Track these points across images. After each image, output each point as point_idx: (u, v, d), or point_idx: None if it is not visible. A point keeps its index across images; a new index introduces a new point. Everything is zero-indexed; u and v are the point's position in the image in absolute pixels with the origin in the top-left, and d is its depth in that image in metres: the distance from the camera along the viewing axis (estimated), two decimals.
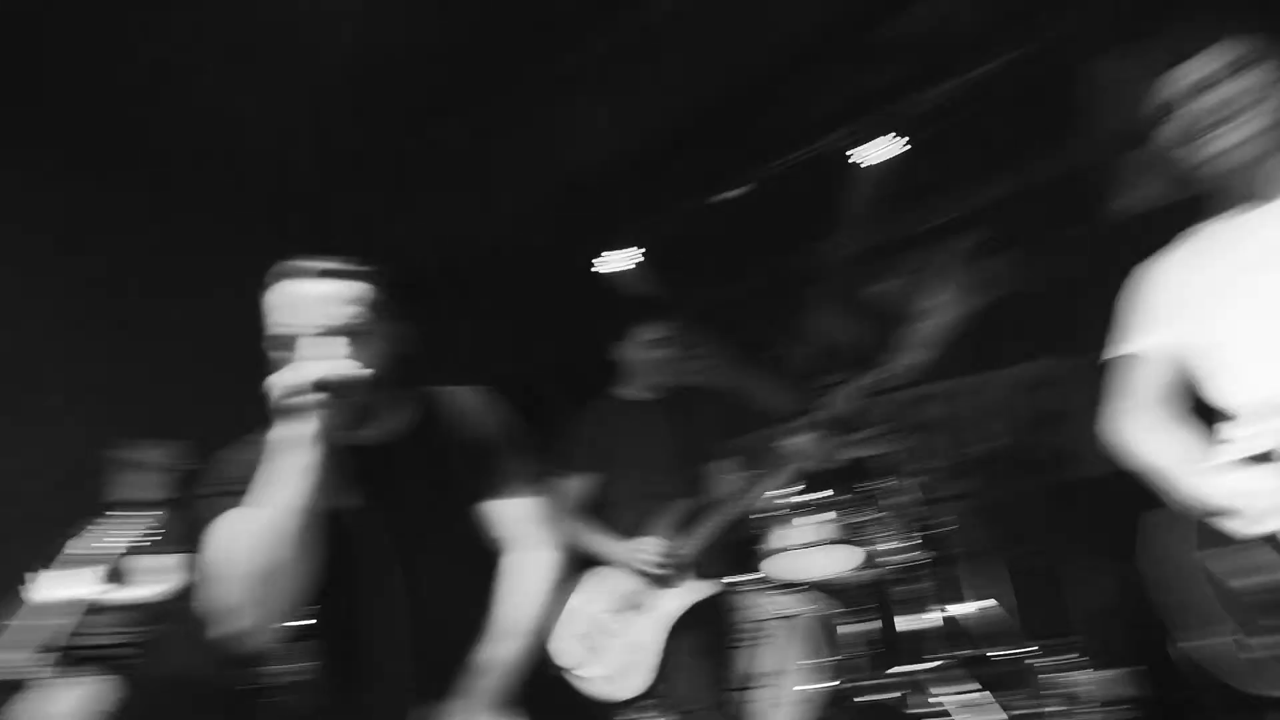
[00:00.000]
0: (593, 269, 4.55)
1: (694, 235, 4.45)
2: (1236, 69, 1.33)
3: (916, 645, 2.96)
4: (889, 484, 3.32)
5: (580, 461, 2.60)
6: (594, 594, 2.47)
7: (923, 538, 3.14)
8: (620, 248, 4.48)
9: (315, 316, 1.36)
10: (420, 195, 3.85)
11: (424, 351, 1.57)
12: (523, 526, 1.52)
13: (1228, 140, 1.32)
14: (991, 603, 3.11)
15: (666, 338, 2.73)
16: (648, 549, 2.44)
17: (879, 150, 3.89)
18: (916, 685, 2.81)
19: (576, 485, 2.59)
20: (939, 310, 4.64)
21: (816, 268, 4.74)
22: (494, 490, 1.53)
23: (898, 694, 2.80)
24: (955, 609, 3.10)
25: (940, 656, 2.86)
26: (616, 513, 2.57)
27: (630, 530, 2.50)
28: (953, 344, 4.59)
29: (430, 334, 1.63)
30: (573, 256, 4.52)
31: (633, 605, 2.41)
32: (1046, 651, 2.73)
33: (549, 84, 3.38)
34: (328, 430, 1.25)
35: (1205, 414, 1.50)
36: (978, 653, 2.88)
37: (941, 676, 2.79)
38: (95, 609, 1.53)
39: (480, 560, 1.52)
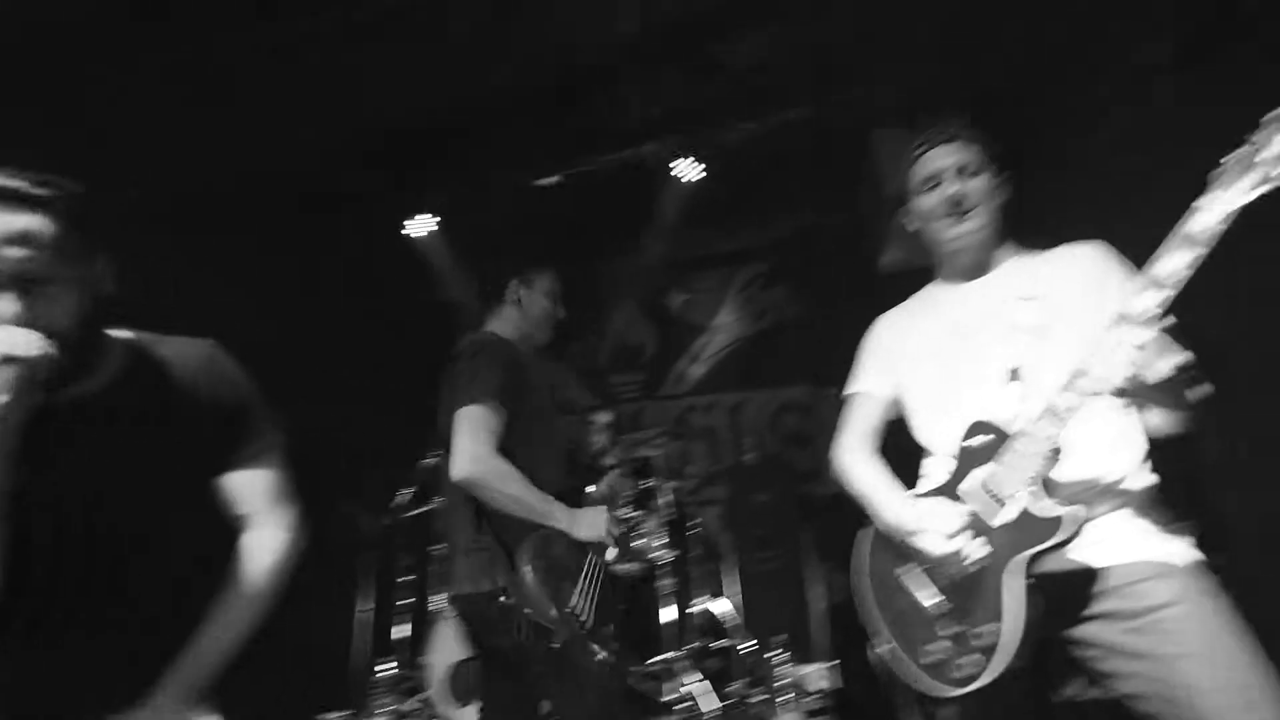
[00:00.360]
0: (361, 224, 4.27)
1: (500, 214, 4.34)
2: (967, 172, 1.57)
3: (669, 636, 3.13)
4: (650, 484, 3.48)
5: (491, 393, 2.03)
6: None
7: (673, 537, 3.33)
8: (422, 212, 4.24)
9: None
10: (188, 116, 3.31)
11: (146, 295, 1.33)
12: (256, 502, 1.33)
13: (952, 230, 1.57)
14: (724, 601, 3.38)
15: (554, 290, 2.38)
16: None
17: (687, 169, 4.07)
18: (668, 673, 2.99)
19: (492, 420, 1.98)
20: (718, 328, 5.02)
21: (618, 269, 4.86)
22: (225, 460, 1.33)
23: (649, 681, 2.96)
24: (695, 605, 3.32)
25: (678, 648, 3.05)
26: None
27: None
28: (724, 361, 4.99)
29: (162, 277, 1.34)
30: (352, 211, 4.19)
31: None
32: (763, 646, 3.02)
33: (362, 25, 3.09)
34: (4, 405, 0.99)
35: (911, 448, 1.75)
36: (705, 645, 3.11)
37: (682, 666, 2.99)
38: None
39: (206, 541, 1.33)
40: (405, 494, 3.69)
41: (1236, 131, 1.14)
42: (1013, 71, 3.38)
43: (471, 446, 1.87)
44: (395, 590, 3.53)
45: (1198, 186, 1.17)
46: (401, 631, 3.44)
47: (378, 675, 3.08)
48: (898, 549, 1.50)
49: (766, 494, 3.74)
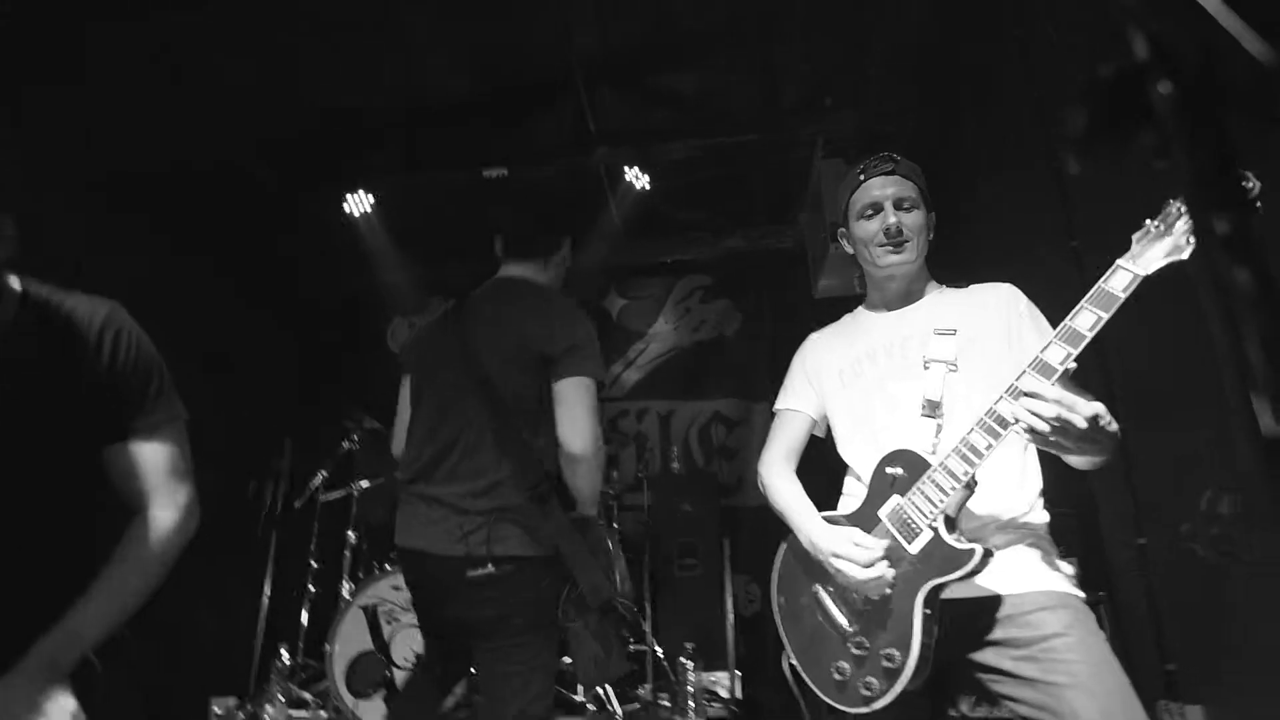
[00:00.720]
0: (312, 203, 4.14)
1: (440, 202, 4.28)
2: (905, 204, 1.64)
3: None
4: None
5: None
6: None
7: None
8: (354, 190, 4.13)
9: None
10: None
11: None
12: (150, 477, 1.25)
13: (888, 259, 1.64)
14: (633, 605, 3.41)
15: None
16: None
17: (636, 177, 4.09)
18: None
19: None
20: (655, 337, 5.06)
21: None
22: (121, 427, 1.25)
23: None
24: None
25: None
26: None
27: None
28: (659, 369, 5.04)
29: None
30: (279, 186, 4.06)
31: None
32: (674, 652, 3.06)
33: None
34: None
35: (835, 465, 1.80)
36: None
37: None
38: None
39: (92, 512, 1.25)
40: (320, 477, 3.60)
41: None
42: (943, 116, 3.56)
43: (594, 425, 1.75)
44: (304, 576, 3.42)
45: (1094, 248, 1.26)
46: (308, 618, 3.33)
47: (277, 662, 2.98)
48: (814, 567, 1.55)
49: (691, 503, 3.79)
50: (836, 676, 1.46)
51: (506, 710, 1.65)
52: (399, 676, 2.64)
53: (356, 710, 2.73)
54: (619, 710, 2.88)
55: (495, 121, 3.84)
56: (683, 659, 2.78)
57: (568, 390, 1.75)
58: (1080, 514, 2.75)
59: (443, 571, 1.70)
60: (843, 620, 1.48)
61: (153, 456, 1.27)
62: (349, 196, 4.12)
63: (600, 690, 2.95)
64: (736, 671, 3.15)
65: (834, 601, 1.52)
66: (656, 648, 3.26)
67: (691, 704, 2.56)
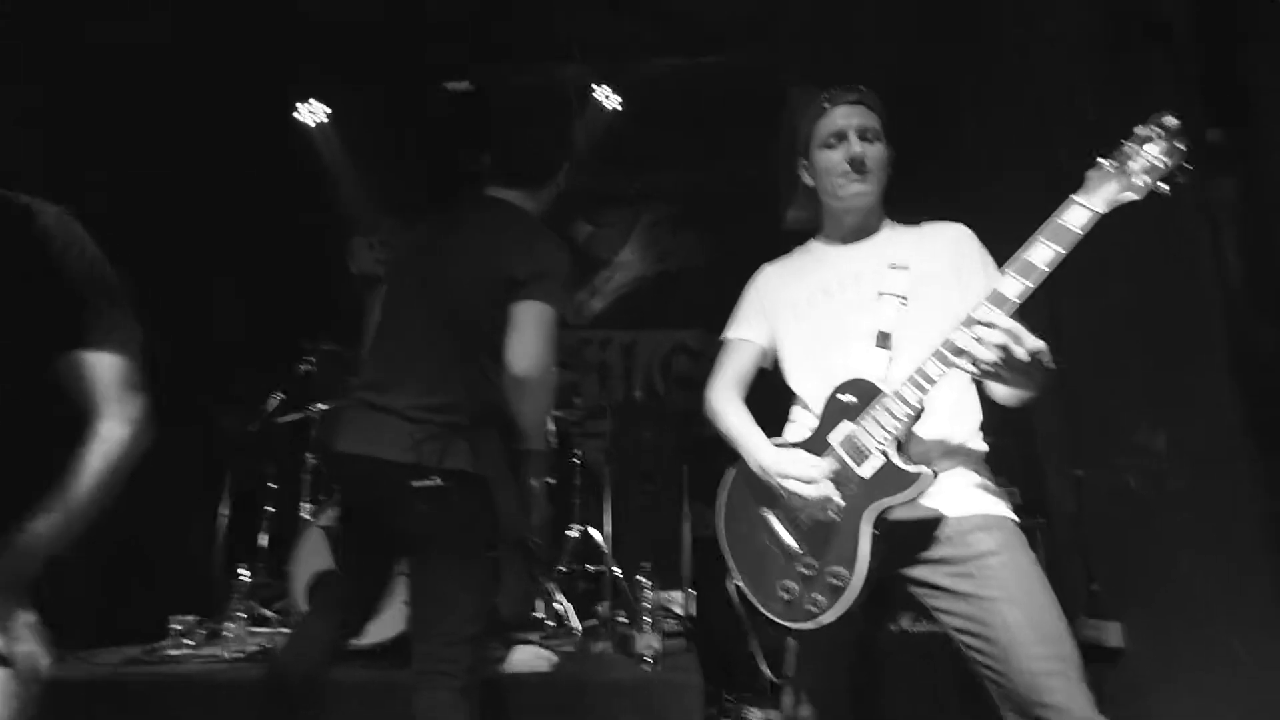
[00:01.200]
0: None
1: (403, 116, 4.11)
2: (868, 135, 1.64)
3: (547, 560, 3.22)
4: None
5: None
6: None
7: (555, 466, 3.39)
8: (314, 100, 3.95)
9: None
10: None
11: None
12: (101, 389, 1.23)
13: (848, 189, 1.64)
14: (596, 530, 3.50)
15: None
16: None
17: (606, 98, 3.97)
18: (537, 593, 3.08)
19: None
20: (620, 265, 5.02)
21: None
22: (72, 336, 1.22)
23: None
24: (571, 530, 3.42)
25: (556, 570, 3.16)
26: None
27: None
28: (624, 298, 5.02)
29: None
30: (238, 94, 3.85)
31: None
32: (631, 572, 3.17)
33: None
34: None
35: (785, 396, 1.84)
36: (577, 568, 3.22)
37: (556, 587, 3.09)
38: None
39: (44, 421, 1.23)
40: (276, 399, 3.54)
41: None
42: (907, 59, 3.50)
43: (545, 352, 1.77)
44: (261, 496, 3.42)
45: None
46: (268, 538, 3.35)
47: (235, 581, 3.00)
48: (761, 491, 1.59)
49: (651, 431, 3.86)
50: (784, 595, 1.52)
51: (434, 629, 1.66)
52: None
53: None
54: (578, 626, 2.99)
55: (456, 32, 3.66)
56: (640, 578, 2.88)
57: (525, 313, 1.75)
58: (1021, 445, 2.87)
59: (388, 478, 1.68)
60: (790, 541, 1.54)
61: (105, 367, 1.24)
62: (300, 107, 3.93)
63: (559, 608, 3.04)
64: (691, 590, 3.28)
65: (782, 523, 1.57)
66: (615, 568, 3.36)
67: (648, 620, 2.66)
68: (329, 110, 3.96)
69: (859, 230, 1.70)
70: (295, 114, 3.93)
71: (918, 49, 3.51)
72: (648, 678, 2.50)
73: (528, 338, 1.74)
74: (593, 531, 3.53)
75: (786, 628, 1.53)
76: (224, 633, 2.81)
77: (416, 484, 1.65)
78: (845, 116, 1.65)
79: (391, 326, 1.87)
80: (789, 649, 1.75)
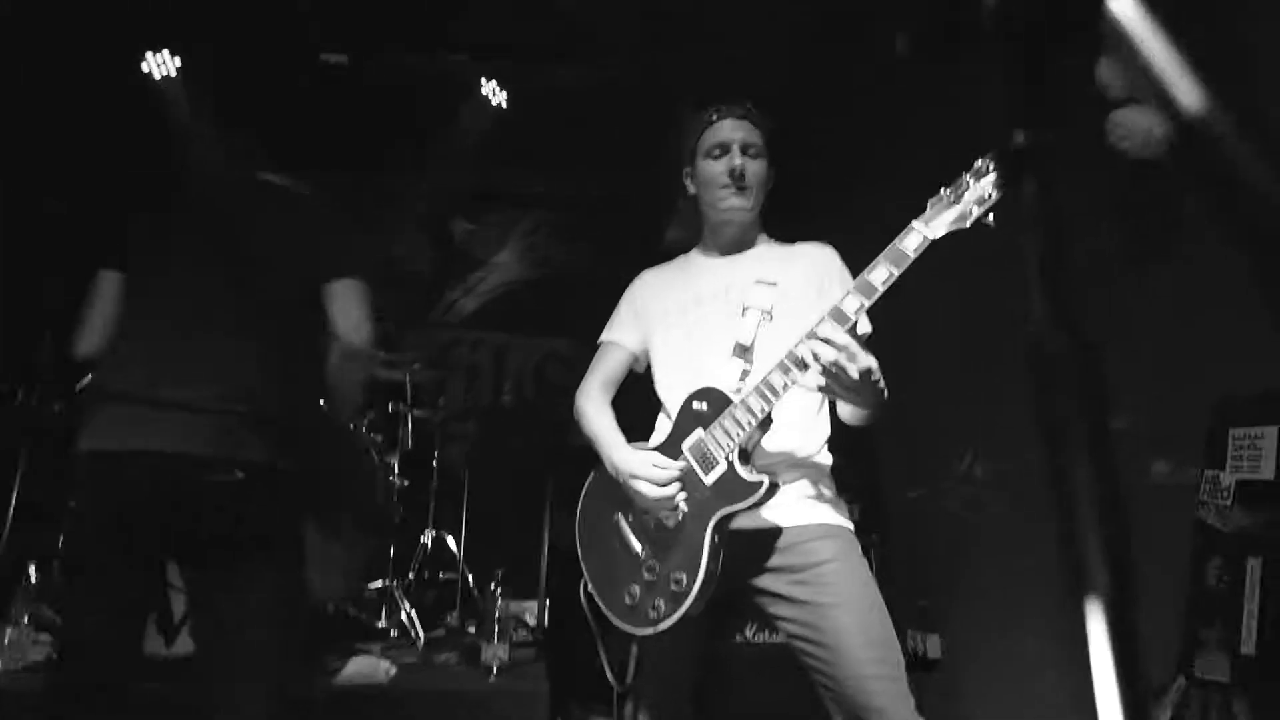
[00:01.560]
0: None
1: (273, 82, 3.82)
2: (751, 150, 1.68)
3: (391, 563, 3.07)
4: (400, 410, 3.36)
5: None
6: None
7: (413, 468, 3.26)
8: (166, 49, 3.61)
9: None
10: None
11: None
12: None
13: (728, 202, 1.68)
14: (449, 536, 3.38)
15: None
16: None
17: (494, 94, 3.90)
18: (387, 599, 2.92)
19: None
20: (497, 267, 4.93)
21: (398, 179, 4.53)
22: None
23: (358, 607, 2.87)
24: (424, 535, 3.29)
25: (399, 576, 3.01)
26: None
27: None
28: (498, 301, 4.92)
29: None
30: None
31: None
32: (483, 581, 3.09)
33: None
34: None
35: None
36: (427, 575, 3.10)
37: (403, 593, 2.95)
38: None
39: None
40: (89, 379, 3.16)
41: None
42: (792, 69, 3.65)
43: (369, 324, 1.77)
44: (62, 485, 3.03)
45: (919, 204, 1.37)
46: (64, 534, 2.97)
47: (23, 582, 2.65)
48: (616, 495, 1.60)
49: (517, 438, 3.79)
50: (627, 600, 1.52)
51: (253, 649, 1.52)
52: (175, 598, 2.44)
53: None
54: (421, 635, 2.86)
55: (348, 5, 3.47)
56: (492, 585, 2.80)
57: (344, 290, 1.72)
58: (860, 465, 3.04)
59: (178, 475, 1.51)
60: (637, 545, 1.55)
61: None
62: (150, 55, 3.58)
63: (404, 617, 2.91)
64: (546, 600, 3.23)
65: (631, 528, 1.58)
66: (467, 576, 3.26)
67: (497, 630, 2.59)
68: (179, 61, 3.61)
69: (735, 244, 1.75)
70: (145, 64, 3.57)
71: (799, 61, 3.64)
72: (492, 688, 2.43)
73: (352, 311, 1.71)
74: (447, 537, 3.41)
75: (628, 632, 1.53)
76: (3, 640, 2.47)
77: (215, 479, 1.50)
78: (731, 130, 1.70)
79: (160, 309, 1.67)
80: (633, 657, 1.75)
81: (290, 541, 1.62)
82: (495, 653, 2.54)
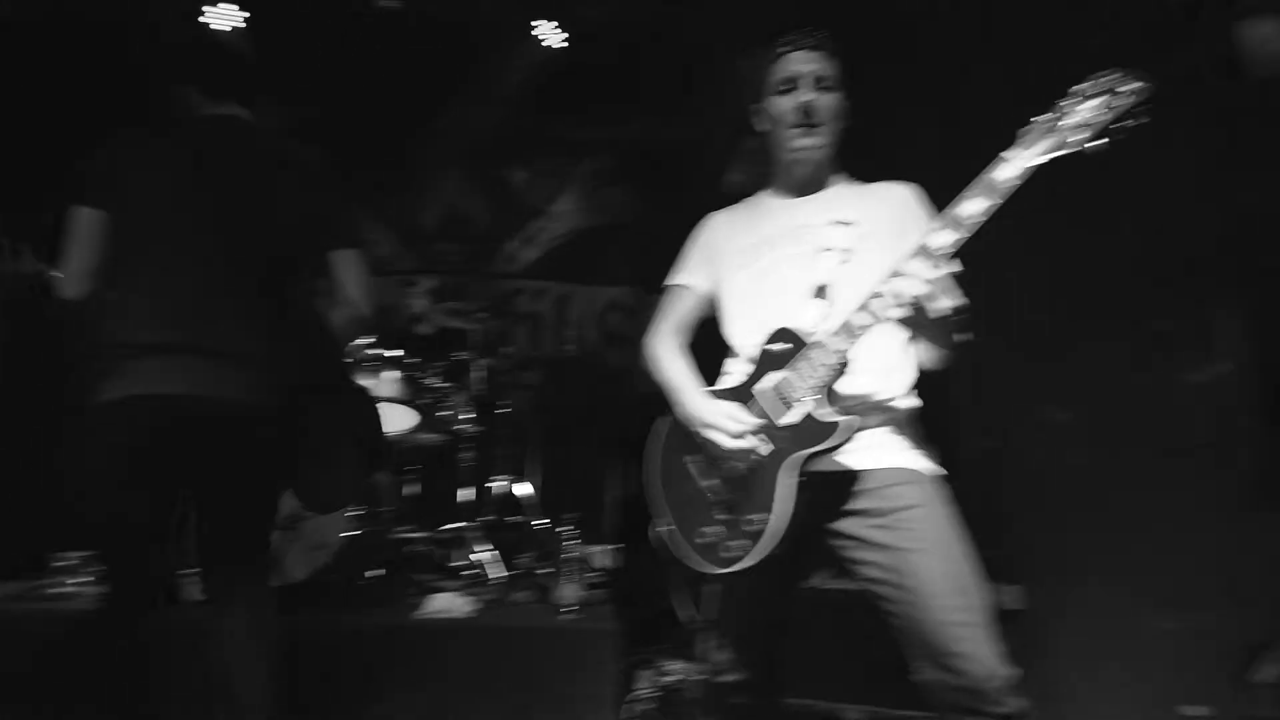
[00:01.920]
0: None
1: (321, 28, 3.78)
2: (823, 84, 1.60)
3: (460, 507, 3.16)
4: (466, 359, 3.41)
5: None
6: None
7: (482, 415, 3.32)
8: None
9: None
10: None
11: None
12: None
13: (799, 141, 1.60)
14: (524, 482, 3.46)
15: None
16: None
17: (549, 35, 3.81)
18: (458, 541, 3.03)
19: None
20: (556, 215, 4.89)
21: (450, 125, 4.50)
22: None
23: (438, 547, 2.98)
24: (496, 481, 3.38)
25: (477, 519, 3.10)
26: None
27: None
28: (558, 250, 4.90)
29: None
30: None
31: None
32: (555, 524, 3.15)
33: None
34: None
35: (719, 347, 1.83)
36: (504, 519, 3.19)
37: (477, 536, 3.04)
38: None
39: None
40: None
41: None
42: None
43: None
44: None
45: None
46: None
47: None
48: (689, 439, 1.58)
49: (581, 386, 3.83)
50: (702, 541, 1.52)
51: (245, 553, 1.78)
52: None
53: None
54: (500, 575, 2.94)
55: None
56: (564, 530, 2.86)
57: (351, 259, 1.86)
58: (938, 410, 2.95)
59: (196, 414, 1.68)
60: (711, 489, 1.54)
61: None
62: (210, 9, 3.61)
63: (479, 557, 2.99)
64: (615, 545, 3.28)
65: (704, 471, 1.57)
66: (539, 520, 3.33)
67: (569, 573, 2.66)
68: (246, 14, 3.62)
69: (808, 184, 1.67)
70: (207, 15, 3.60)
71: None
72: (566, 625, 2.50)
73: (363, 281, 1.86)
74: (518, 484, 3.49)
75: (706, 573, 1.54)
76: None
77: (239, 415, 1.70)
78: (801, 63, 1.60)
79: (158, 258, 1.75)
80: (708, 598, 1.76)
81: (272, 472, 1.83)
82: (567, 593, 2.61)
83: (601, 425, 3.47)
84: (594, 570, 2.97)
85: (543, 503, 3.45)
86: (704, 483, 1.56)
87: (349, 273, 1.84)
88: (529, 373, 3.91)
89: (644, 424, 1.74)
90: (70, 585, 2.59)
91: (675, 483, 1.62)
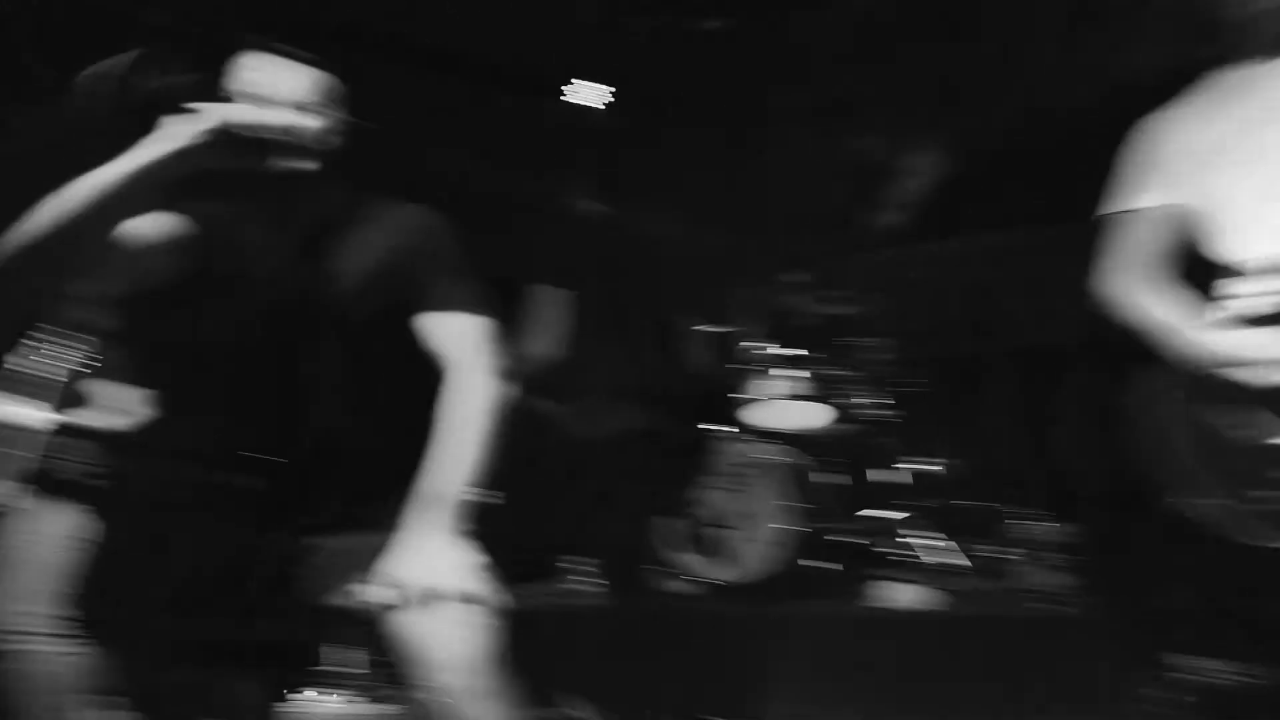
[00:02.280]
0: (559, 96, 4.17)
1: (667, 71, 4.05)
2: None
3: (885, 495, 3.11)
4: (863, 342, 3.35)
5: None
6: None
7: (893, 395, 3.22)
8: (588, 79, 4.08)
9: (274, 88, 1.31)
10: None
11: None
12: (461, 346, 1.41)
13: None
14: (951, 459, 3.26)
15: None
16: None
17: None
18: (885, 529, 2.97)
19: None
20: (904, 173, 4.57)
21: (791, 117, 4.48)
22: (432, 304, 1.43)
23: (867, 537, 2.96)
24: (921, 463, 3.25)
25: (908, 505, 3.02)
26: None
27: None
28: (905, 208, 4.56)
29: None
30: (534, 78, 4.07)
31: None
32: (1007, 504, 2.89)
33: None
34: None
35: (1201, 272, 1.49)
36: (942, 502, 3.05)
37: (909, 522, 2.94)
38: (63, 435, 1.38)
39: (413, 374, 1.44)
40: None
41: None
42: None
43: None
44: None
45: None
46: None
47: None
48: (1206, 386, 1.31)
49: (992, 353, 3.54)
50: (1246, 508, 1.28)
51: None
52: None
53: None
54: (959, 562, 2.79)
55: None
56: (1014, 510, 2.62)
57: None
58: None
59: None
60: (1246, 439, 1.29)
61: (463, 325, 1.44)
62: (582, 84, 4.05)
63: (931, 546, 2.87)
64: (1067, 524, 2.90)
65: (1255, 417, 1.31)
66: (983, 501, 3.08)
67: (1021, 554, 2.44)
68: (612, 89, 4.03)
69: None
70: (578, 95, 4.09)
71: None
72: (1037, 614, 2.31)
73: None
74: (936, 463, 3.28)
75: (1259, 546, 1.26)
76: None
77: None
78: None
79: None
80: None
81: None
82: (1035, 578, 2.39)
83: (1028, 392, 3.11)
84: (1056, 551, 2.65)
85: (973, 480, 3.20)
86: (1237, 436, 1.27)
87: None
88: (935, 342, 3.70)
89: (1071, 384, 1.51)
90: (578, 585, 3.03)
91: (1189, 441, 1.34)
